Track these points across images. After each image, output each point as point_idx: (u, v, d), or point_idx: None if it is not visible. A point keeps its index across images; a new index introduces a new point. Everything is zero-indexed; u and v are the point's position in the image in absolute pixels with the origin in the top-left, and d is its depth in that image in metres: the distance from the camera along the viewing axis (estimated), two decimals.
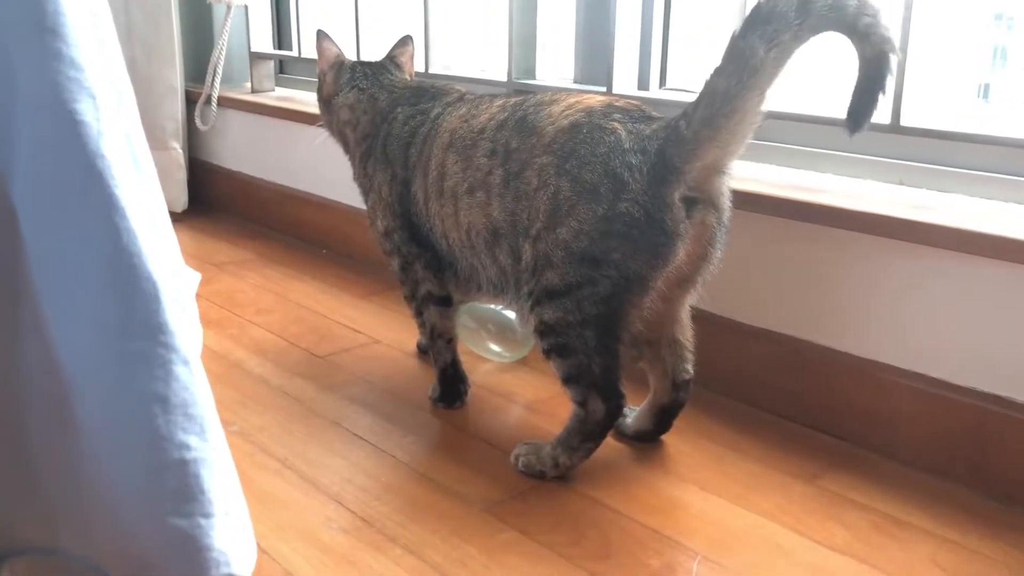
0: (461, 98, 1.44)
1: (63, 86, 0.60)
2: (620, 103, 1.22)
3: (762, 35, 1.05)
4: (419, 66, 2.02)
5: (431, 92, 1.50)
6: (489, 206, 1.27)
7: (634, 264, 1.15)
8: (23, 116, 0.60)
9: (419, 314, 1.49)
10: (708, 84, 1.11)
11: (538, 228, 1.19)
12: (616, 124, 1.17)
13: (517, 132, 1.25)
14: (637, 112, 1.20)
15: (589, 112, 1.20)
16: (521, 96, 1.33)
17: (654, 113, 1.22)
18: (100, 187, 0.61)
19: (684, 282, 1.22)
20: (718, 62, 1.10)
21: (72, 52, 0.60)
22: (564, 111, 1.22)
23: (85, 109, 0.60)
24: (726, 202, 1.20)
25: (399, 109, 1.49)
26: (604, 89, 1.66)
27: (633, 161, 1.14)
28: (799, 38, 1.06)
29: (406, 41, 1.61)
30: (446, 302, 1.47)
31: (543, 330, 1.21)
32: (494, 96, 1.39)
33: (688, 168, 1.13)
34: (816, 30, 1.06)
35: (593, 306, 1.17)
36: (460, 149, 1.32)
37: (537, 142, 1.22)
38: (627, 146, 1.15)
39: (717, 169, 1.17)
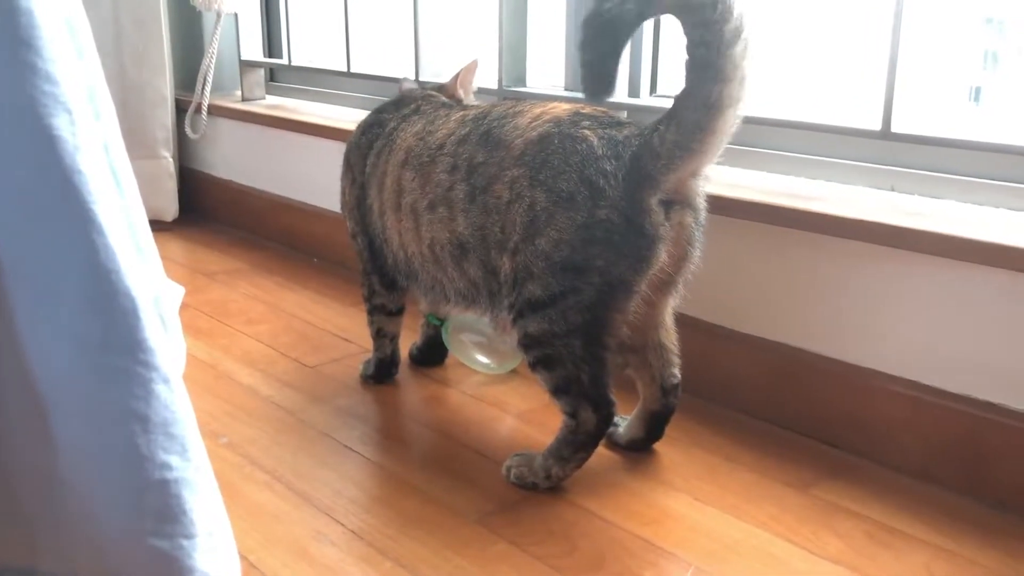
0: (417, 110, 1.45)
1: (38, 100, 0.59)
2: (587, 110, 1.22)
3: (712, 77, 1.07)
4: (410, 74, 2.02)
5: (398, 100, 1.54)
6: (453, 221, 1.27)
7: (617, 270, 1.14)
8: None
9: (369, 313, 1.56)
10: (677, 109, 1.11)
11: (515, 241, 1.19)
12: (587, 131, 1.17)
13: (482, 146, 1.25)
14: (605, 118, 1.20)
15: (558, 122, 1.19)
16: (479, 110, 1.33)
17: (623, 118, 1.22)
18: (77, 203, 0.60)
19: (666, 284, 1.22)
20: (684, 85, 1.10)
21: (47, 66, 0.59)
22: (531, 123, 1.22)
23: (61, 124, 0.59)
24: (702, 202, 1.21)
25: (368, 116, 1.54)
26: None
27: (608, 167, 1.14)
28: (737, 64, 1.06)
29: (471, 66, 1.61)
30: (397, 312, 1.56)
31: (528, 343, 1.20)
32: (450, 109, 1.40)
33: (663, 179, 1.14)
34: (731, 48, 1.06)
35: (578, 315, 1.16)
36: (417, 166, 1.33)
37: (506, 155, 1.21)
38: (600, 152, 1.14)
39: (693, 175, 1.17)
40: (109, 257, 0.61)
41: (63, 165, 0.59)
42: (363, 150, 1.48)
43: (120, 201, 0.64)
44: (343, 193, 1.56)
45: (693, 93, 1.09)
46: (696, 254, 1.21)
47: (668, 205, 1.15)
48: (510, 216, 1.20)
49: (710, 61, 1.06)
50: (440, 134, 1.33)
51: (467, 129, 1.29)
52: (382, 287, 1.52)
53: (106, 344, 0.62)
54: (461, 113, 1.34)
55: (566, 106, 1.23)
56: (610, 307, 1.16)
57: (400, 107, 1.50)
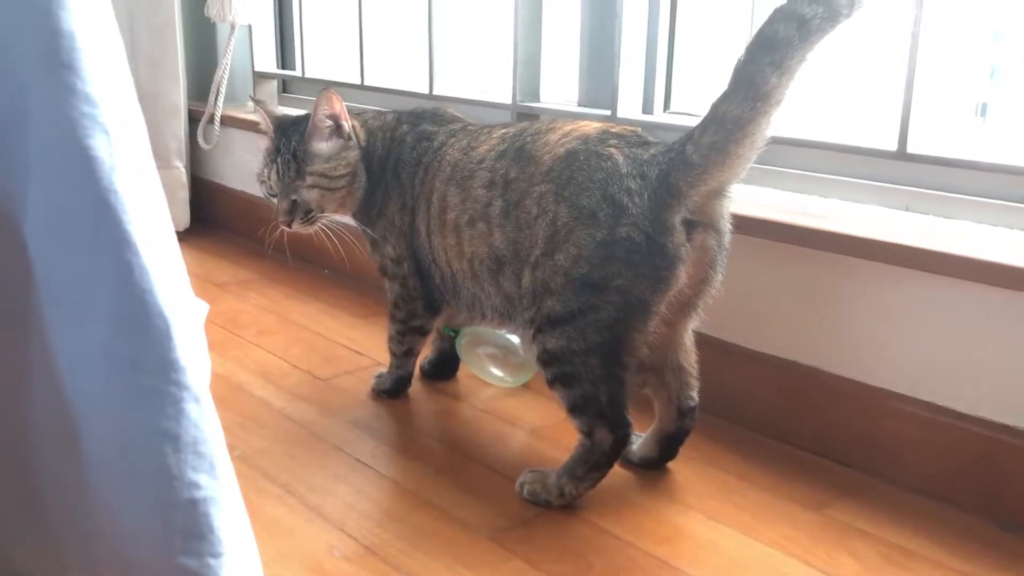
0: (464, 128, 1.44)
1: (77, 122, 0.59)
2: (616, 129, 1.23)
3: (771, 61, 1.06)
4: (423, 88, 2.03)
5: (428, 114, 1.51)
6: (491, 236, 1.28)
7: (636, 289, 1.14)
8: (37, 151, 0.60)
9: (402, 334, 1.53)
10: (716, 110, 1.11)
11: (536, 255, 1.20)
12: (613, 150, 1.18)
13: (515, 162, 1.26)
14: (633, 137, 1.21)
15: (585, 139, 1.20)
16: (520, 126, 1.34)
17: (650, 138, 1.22)
18: (112, 223, 0.60)
19: (686, 306, 1.22)
20: (725, 87, 1.10)
21: (87, 88, 0.60)
22: (560, 139, 1.23)
23: (98, 145, 0.60)
24: (726, 224, 1.20)
25: (404, 127, 1.49)
26: (608, 112, 1.66)
27: (632, 186, 1.14)
28: (802, 60, 1.06)
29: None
30: (430, 331, 1.56)
31: (546, 359, 1.20)
32: (493, 127, 1.40)
33: (693, 192, 1.14)
34: (815, 45, 1.06)
35: (597, 333, 1.16)
36: (459, 180, 1.33)
37: (535, 171, 1.22)
38: (625, 171, 1.15)
39: (719, 192, 1.17)
40: (143, 277, 0.61)
41: (100, 185, 0.60)
42: (412, 167, 1.43)
43: (152, 219, 0.65)
44: (390, 216, 1.46)
45: (742, 86, 1.08)
46: (718, 277, 1.21)
47: (692, 226, 1.15)
48: (535, 230, 1.21)
49: (787, 41, 1.04)
50: (482, 149, 1.34)
51: (505, 145, 1.30)
52: (424, 311, 1.50)
53: (138, 364, 0.62)
54: (503, 130, 1.35)
55: (596, 124, 1.24)
56: (629, 326, 1.16)
57: (444, 122, 1.48)
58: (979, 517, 1.21)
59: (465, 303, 1.39)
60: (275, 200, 1.47)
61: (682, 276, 1.15)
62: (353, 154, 1.46)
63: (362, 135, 1.48)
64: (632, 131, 1.23)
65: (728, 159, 1.11)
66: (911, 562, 1.13)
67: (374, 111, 1.55)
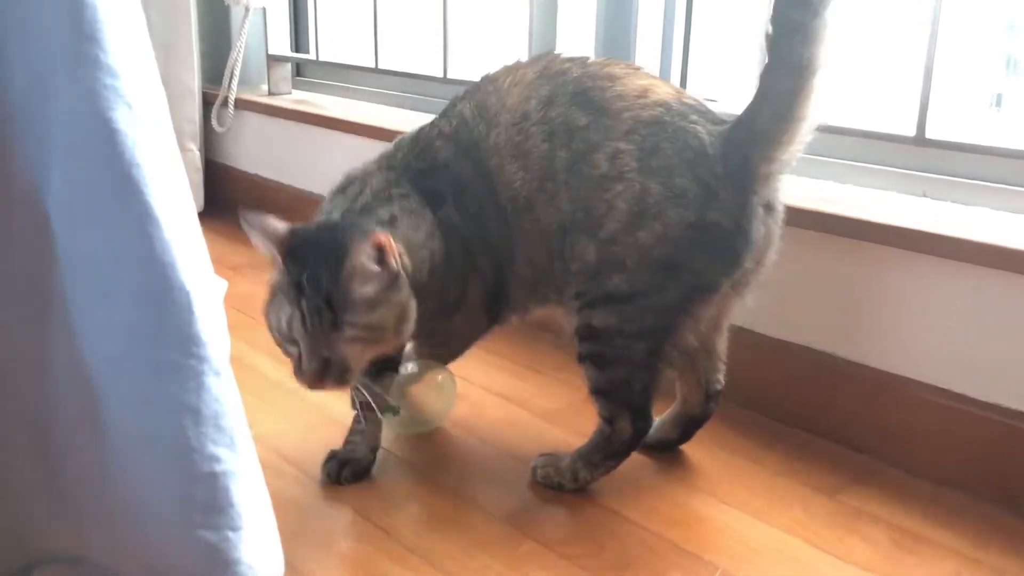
0: (458, 102, 1.25)
1: (100, 94, 0.60)
2: (688, 100, 1.16)
3: (796, 41, 1.04)
4: (437, 71, 2.02)
5: (407, 157, 1.26)
6: (557, 198, 1.15)
7: (712, 273, 1.13)
8: (59, 123, 0.60)
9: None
10: (764, 82, 1.08)
11: (615, 228, 1.12)
12: (698, 127, 1.12)
13: (581, 108, 1.14)
14: (709, 112, 1.16)
15: (668, 108, 1.13)
16: (547, 64, 1.19)
17: (721, 114, 1.17)
18: (135, 196, 0.60)
19: (740, 287, 1.19)
20: (766, 59, 1.08)
21: (110, 59, 0.60)
22: (638, 97, 1.14)
23: (121, 117, 0.60)
24: (781, 205, 1.18)
25: (417, 198, 1.21)
26: None
27: (719, 170, 1.11)
28: (825, 26, 1.04)
29: None
30: None
31: (585, 334, 1.16)
32: (493, 77, 1.23)
33: (764, 170, 1.11)
34: (829, 8, 1.04)
35: (654, 317, 1.13)
36: (511, 149, 1.17)
37: (612, 125, 1.13)
38: (711, 152, 1.11)
39: (779, 172, 1.15)
40: (164, 250, 0.61)
41: (123, 159, 0.60)
42: (463, 229, 1.21)
43: (174, 193, 0.65)
44: (471, 302, 1.25)
45: (779, 60, 1.06)
46: (772, 259, 1.19)
47: (766, 210, 1.14)
48: (610, 197, 1.12)
49: (804, 23, 1.03)
50: (513, 101, 1.18)
51: (549, 88, 1.16)
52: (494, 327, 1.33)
53: (160, 337, 0.62)
54: (521, 72, 1.20)
55: (667, 88, 1.17)
56: (687, 312, 1.14)
57: (416, 141, 1.26)
58: (993, 504, 1.21)
59: (529, 288, 1.23)
60: (293, 349, 1.11)
61: (750, 259, 1.14)
62: (404, 294, 1.12)
63: (408, 263, 1.14)
64: (699, 102, 1.18)
65: (792, 123, 1.09)
66: (922, 548, 1.13)
67: (373, 192, 1.25)
